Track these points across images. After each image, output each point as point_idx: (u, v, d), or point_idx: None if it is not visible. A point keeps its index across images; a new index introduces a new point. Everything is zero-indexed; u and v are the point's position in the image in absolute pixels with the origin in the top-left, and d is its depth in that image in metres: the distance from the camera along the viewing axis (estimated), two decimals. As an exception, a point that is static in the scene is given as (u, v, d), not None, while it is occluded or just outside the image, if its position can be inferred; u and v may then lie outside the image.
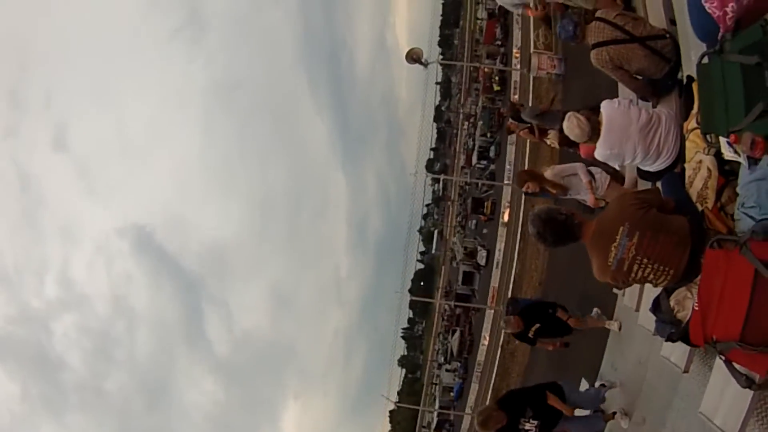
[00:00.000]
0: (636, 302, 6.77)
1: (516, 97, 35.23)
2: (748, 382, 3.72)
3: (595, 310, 11.65)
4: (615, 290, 8.82)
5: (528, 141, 31.92)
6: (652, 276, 4.23)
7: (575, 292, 16.14)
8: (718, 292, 3.55)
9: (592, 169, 8.20)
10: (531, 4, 8.98)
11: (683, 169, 5.20)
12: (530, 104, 32.57)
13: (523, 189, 8.70)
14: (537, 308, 11.44)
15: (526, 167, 29.08)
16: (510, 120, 12.04)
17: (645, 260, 4.15)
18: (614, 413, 9.09)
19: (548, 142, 10.12)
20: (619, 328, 10.21)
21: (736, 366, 3.71)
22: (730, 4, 3.81)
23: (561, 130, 6.96)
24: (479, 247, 59.98)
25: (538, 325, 10.85)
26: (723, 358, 3.71)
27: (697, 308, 3.76)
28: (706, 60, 4.27)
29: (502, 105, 50.82)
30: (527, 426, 8.60)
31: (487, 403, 13.79)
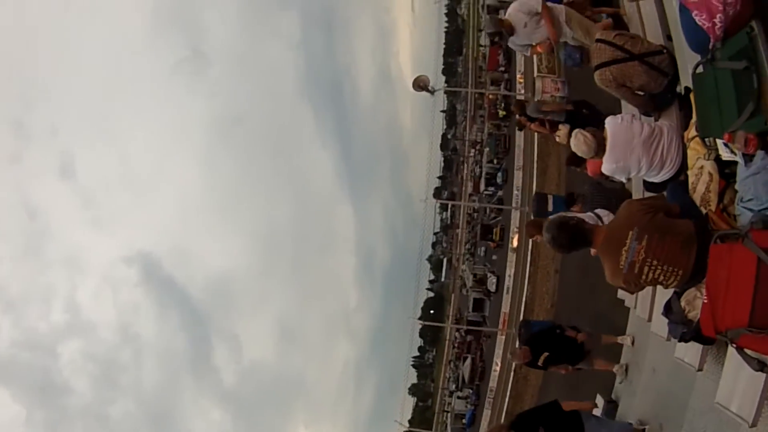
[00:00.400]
0: (648, 313, 6.92)
1: (522, 94, 35.26)
2: (760, 366, 3.92)
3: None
4: (626, 303, 8.88)
5: (535, 168, 32.27)
6: (662, 277, 4.45)
7: (587, 312, 16.28)
8: (725, 283, 3.75)
9: (600, 212, 8.36)
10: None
11: (686, 177, 5.45)
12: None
13: (531, 239, 8.89)
14: (544, 335, 11.17)
15: (534, 192, 29.28)
16: (519, 115, 12.27)
17: (654, 262, 4.38)
18: (644, 430, 8.85)
19: (557, 137, 10.28)
20: (632, 342, 10.26)
21: (748, 351, 3.91)
22: (718, 15, 4.08)
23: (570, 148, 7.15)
24: (489, 274, 59.85)
25: (546, 354, 10.47)
26: (734, 345, 3.90)
27: (706, 301, 3.96)
28: (700, 69, 4.54)
29: (513, 105, 50.91)
30: None
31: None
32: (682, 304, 4.84)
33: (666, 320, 5.34)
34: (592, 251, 7.74)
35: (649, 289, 6.77)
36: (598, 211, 8.30)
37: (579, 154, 6.58)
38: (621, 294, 8.13)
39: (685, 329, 4.90)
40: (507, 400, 32.96)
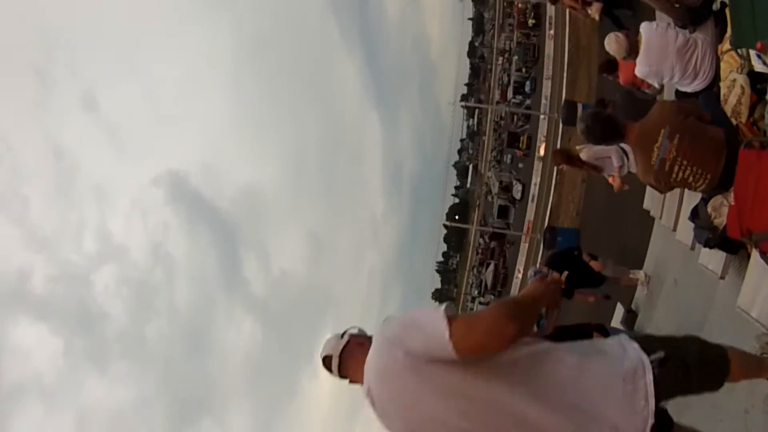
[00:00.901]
0: (673, 222, 7.03)
1: None
2: (783, 272, 4.02)
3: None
4: (652, 213, 8.89)
5: (564, 77, 31.91)
6: (691, 178, 4.56)
7: (611, 223, 16.31)
8: (752, 187, 3.86)
9: (628, 148, 8.36)
10: None
11: (719, 89, 5.50)
12: (567, 36, 32.40)
13: (558, 168, 8.86)
14: (563, 256, 11.03)
15: (563, 100, 29.02)
16: None
17: (684, 162, 4.48)
18: None
19: (590, 12, 10.30)
20: (647, 280, 10.20)
21: None
22: None
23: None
24: (515, 181, 59.89)
25: (566, 273, 10.25)
26: (758, 249, 4.00)
27: (733, 203, 4.07)
28: (736, -21, 4.56)
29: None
30: None
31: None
32: (709, 210, 4.94)
33: (692, 226, 5.44)
34: (615, 185, 7.86)
35: (674, 199, 6.88)
36: (623, 145, 8.35)
37: (611, 53, 6.68)
38: (647, 204, 8.24)
39: (710, 235, 5.02)
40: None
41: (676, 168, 4.51)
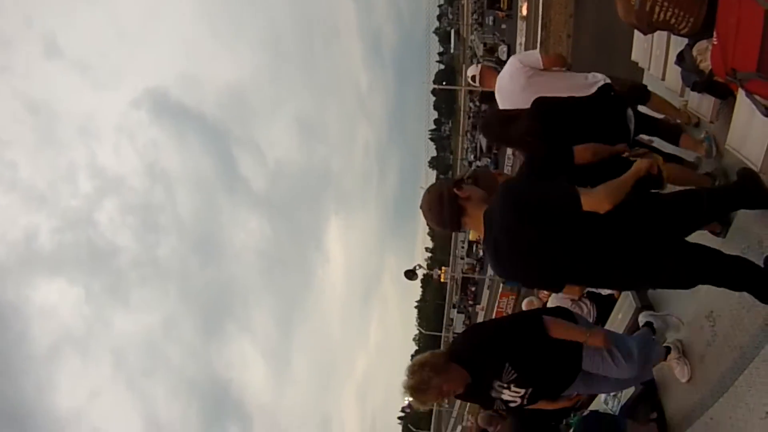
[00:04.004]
0: (662, 71, 7.14)
1: None
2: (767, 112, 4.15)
3: None
4: (640, 65, 8.98)
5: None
6: (673, 20, 4.57)
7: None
8: (734, 27, 3.88)
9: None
10: None
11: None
12: None
13: None
14: None
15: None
16: None
17: (665, 3, 4.50)
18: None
19: None
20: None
21: (757, 98, 4.08)
22: None
23: None
24: (499, 43, 59.40)
25: None
26: (744, 88, 4.19)
27: (716, 43, 4.14)
28: None
29: None
30: (505, 393, 4.47)
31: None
32: (694, 53, 5.02)
33: (679, 71, 5.61)
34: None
35: (662, 48, 7.04)
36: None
37: None
38: (635, 56, 8.36)
39: (697, 78, 5.20)
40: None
41: (657, 9, 4.49)
